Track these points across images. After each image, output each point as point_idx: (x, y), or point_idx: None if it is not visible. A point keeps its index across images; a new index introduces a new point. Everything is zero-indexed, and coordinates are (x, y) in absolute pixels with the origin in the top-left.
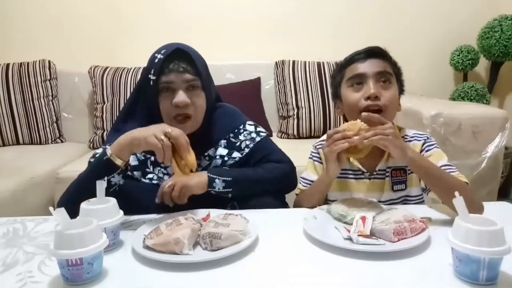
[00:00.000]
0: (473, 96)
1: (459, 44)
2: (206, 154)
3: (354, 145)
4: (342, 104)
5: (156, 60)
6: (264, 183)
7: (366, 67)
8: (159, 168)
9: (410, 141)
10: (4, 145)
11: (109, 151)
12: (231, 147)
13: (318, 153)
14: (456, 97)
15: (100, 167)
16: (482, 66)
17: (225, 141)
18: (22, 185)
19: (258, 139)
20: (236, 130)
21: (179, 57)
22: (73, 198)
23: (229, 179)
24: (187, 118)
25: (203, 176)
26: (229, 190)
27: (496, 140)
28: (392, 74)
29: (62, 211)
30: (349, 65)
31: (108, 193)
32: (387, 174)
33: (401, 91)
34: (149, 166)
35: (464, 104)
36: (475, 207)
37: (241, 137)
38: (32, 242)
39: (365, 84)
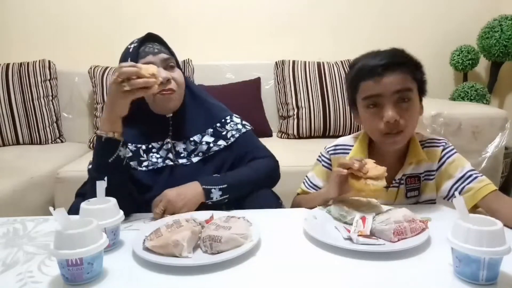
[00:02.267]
0: (473, 96)
1: (459, 44)
2: (192, 139)
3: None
4: (359, 118)
5: (131, 49)
6: (255, 182)
7: (383, 86)
8: (151, 154)
9: (428, 147)
10: (4, 145)
11: (101, 132)
12: (217, 135)
13: (330, 159)
14: (456, 97)
15: (104, 150)
16: (482, 66)
17: (212, 130)
18: (22, 185)
19: (243, 130)
20: (223, 120)
21: (151, 41)
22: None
23: (225, 186)
24: (171, 91)
25: (198, 189)
26: (226, 196)
27: (496, 140)
28: (411, 88)
29: (62, 211)
30: (363, 79)
31: (122, 167)
32: (402, 182)
33: (423, 93)
34: (142, 154)
35: (464, 104)
36: None
37: (228, 127)
38: (32, 242)
39: (382, 105)
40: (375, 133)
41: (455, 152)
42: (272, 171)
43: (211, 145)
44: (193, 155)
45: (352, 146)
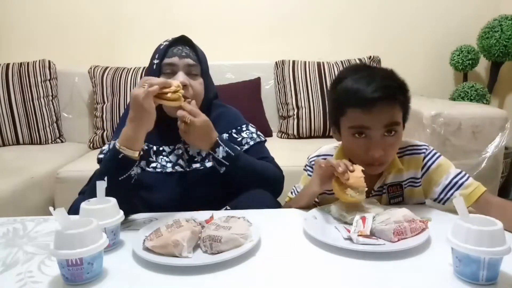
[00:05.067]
0: (473, 96)
1: (459, 44)
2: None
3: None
4: (341, 138)
5: (162, 47)
6: (258, 176)
7: (372, 119)
8: (161, 156)
9: (408, 155)
10: (4, 145)
11: (121, 147)
12: (232, 141)
13: (313, 168)
14: (456, 97)
15: (118, 166)
16: (482, 66)
17: (227, 135)
18: (22, 185)
19: (258, 140)
20: (239, 127)
21: (182, 43)
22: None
23: (232, 154)
24: (186, 99)
25: (213, 133)
26: (226, 163)
27: (496, 140)
28: (399, 122)
29: (62, 211)
30: (352, 106)
31: (128, 185)
32: (384, 191)
33: (406, 118)
34: (152, 155)
35: (464, 104)
36: None
37: (244, 135)
38: (32, 242)
39: (369, 137)
40: (357, 159)
41: (438, 157)
42: (277, 179)
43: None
44: (207, 159)
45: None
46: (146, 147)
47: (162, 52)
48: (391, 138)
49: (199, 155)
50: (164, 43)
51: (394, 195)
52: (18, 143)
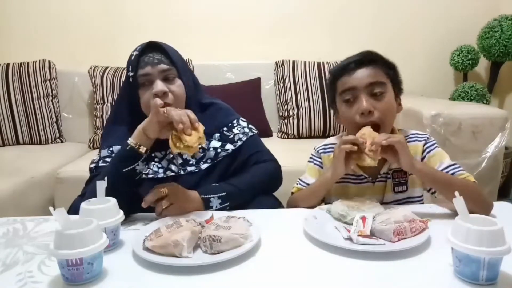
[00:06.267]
0: (473, 96)
1: (459, 44)
2: (200, 146)
3: (364, 153)
4: (339, 116)
5: (133, 57)
6: (255, 187)
7: (356, 80)
8: (153, 163)
9: (410, 141)
10: (4, 145)
11: (131, 140)
12: (224, 139)
13: (320, 158)
14: (456, 97)
15: (124, 157)
16: (482, 66)
17: (218, 134)
18: (22, 185)
19: (250, 134)
20: (230, 124)
21: (152, 50)
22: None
23: (223, 194)
24: (167, 105)
25: (197, 200)
26: (227, 204)
27: (496, 140)
28: (384, 82)
29: (62, 211)
30: (339, 77)
31: (132, 181)
32: (389, 176)
33: (399, 91)
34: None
35: (464, 104)
36: (486, 206)
37: (235, 130)
38: (32, 242)
39: (357, 98)
40: (352, 126)
41: (436, 147)
42: (272, 175)
43: (219, 150)
44: (201, 162)
45: None
46: None
47: (135, 63)
48: (378, 96)
49: (193, 158)
50: (135, 53)
51: (399, 182)
52: (18, 143)
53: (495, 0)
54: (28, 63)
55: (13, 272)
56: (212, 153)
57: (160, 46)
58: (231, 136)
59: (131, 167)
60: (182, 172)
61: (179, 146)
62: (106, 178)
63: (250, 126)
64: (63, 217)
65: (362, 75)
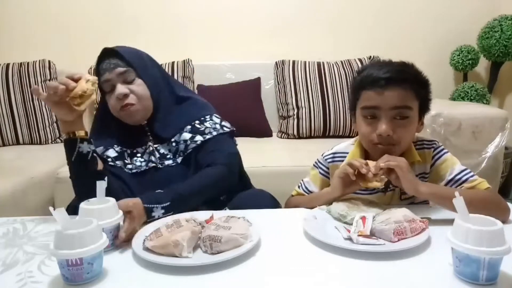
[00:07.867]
0: (473, 96)
1: (459, 44)
2: (172, 140)
3: (369, 177)
4: (357, 126)
5: (93, 68)
6: (200, 194)
7: (381, 100)
8: (135, 158)
9: (418, 149)
10: (4, 145)
11: (63, 135)
12: (194, 132)
13: (328, 168)
14: (456, 97)
15: (66, 150)
16: (482, 66)
17: (190, 127)
18: (22, 185)
19: (221, 131)
20: (202, 118)
21: (108, 56)
22: (80, 191)
23: (167, 204)
24: (130, 105)
25: (140, 208)
26: (170, 214)
27: (496, 140)
28: (411, 107)
29: (62, 211)
30: (365, 89)
31: (87, 161)
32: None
33: (425, 110)
34: (126, 157)
35: (464, 104)
36: (508, 213)
37: (207, 124)
38: (32, 242)
39: (378, 118)
40: (366, 142)
41: (445, 153)
42: (220, 181)
43: (188, 142)
44: (177, 155)
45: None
46: (120, 150)
47: (96, 72)
48: (402, 121)
49: (170, 152)
50: (95, 64)
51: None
52: (18, 143)
53: (495, 0)
54: (28, 63)
55: (13, 272)
56: (182, 146)
57: (113, 50)
58: (202, 128)
59: (76, 152)
60: (160, 166)
61: (79, 102)
62: (106, 178)
63: (224, 123)
64: (63, 217)
65: (389, 96)
